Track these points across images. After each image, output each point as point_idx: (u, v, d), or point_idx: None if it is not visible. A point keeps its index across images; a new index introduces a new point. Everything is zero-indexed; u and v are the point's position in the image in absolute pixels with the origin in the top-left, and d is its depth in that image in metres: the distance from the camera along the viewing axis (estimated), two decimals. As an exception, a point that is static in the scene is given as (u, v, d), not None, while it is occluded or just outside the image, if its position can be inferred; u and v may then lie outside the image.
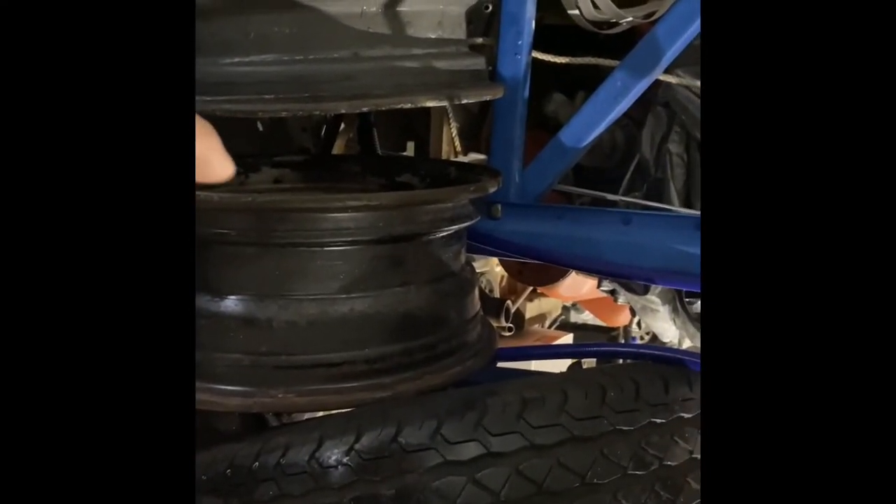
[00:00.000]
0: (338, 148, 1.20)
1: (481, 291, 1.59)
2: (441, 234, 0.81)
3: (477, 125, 1.36)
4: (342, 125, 1.19)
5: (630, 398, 0.72)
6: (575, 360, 1.41)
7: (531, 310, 1.85)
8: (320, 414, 0.78)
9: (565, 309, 2.17)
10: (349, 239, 0.74)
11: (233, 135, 1.10)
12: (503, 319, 1.56)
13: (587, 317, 2.22)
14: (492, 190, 0.84)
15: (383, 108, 0.79)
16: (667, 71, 1.00)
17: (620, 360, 0.98)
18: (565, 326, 2.24)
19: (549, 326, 2.04)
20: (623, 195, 1.15)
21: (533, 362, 1.23)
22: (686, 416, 0.74)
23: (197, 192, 0.75)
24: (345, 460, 0.65)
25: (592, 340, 2.15)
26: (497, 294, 1.67)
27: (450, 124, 1.26)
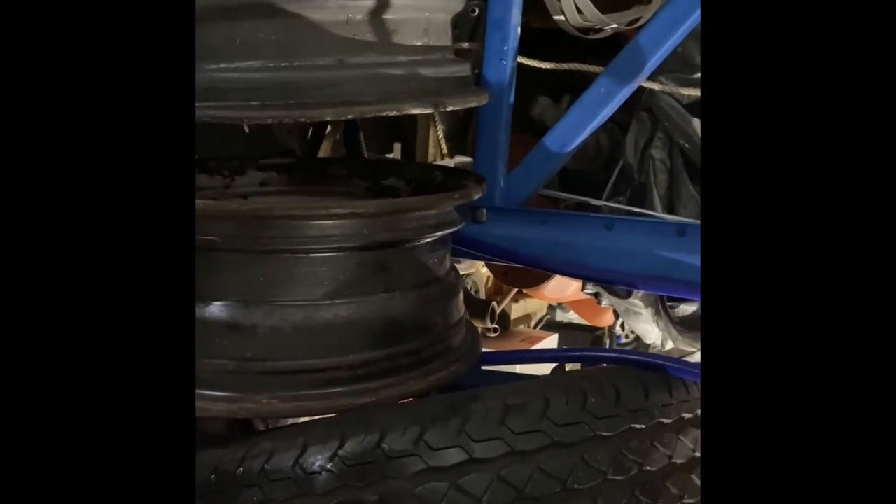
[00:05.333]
0: (324, 150, 1.21)
1: (467, 293, 1.60)
2: (425, 241, 0.82)
3: (463, 128, 1.36)
4: (328, 128, 1.19)
5: (610, 404, 0.73)
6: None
7: (517, 310, 1.86)
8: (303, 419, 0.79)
9: (551, 308, 2.18)
10: (334, 246, 0.75)
11: (219, 136, 1.11)
12: (489, 320, 1.57)
13: (572, 316, 2.23)
14: (476, 196, 0.85)
15: (368, 116, 0.79)
16: (650, 77, 1.01)
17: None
18: (551, 326, 2.25)
19: (535, 326, 2.06)
20: (606, 200, 1.16)
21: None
22: (665, 421, 0.76)
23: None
24: (328, 466, 0.66)
25: (577, 340, 2.17)
26: (483, 295, 1.68)
27: (436, 127, 1.27)
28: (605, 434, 0.70)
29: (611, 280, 1.05)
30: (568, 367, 1.04)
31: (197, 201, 0.77)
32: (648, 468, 0.71)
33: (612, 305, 1.37)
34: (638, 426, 0.73)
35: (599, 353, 1.00)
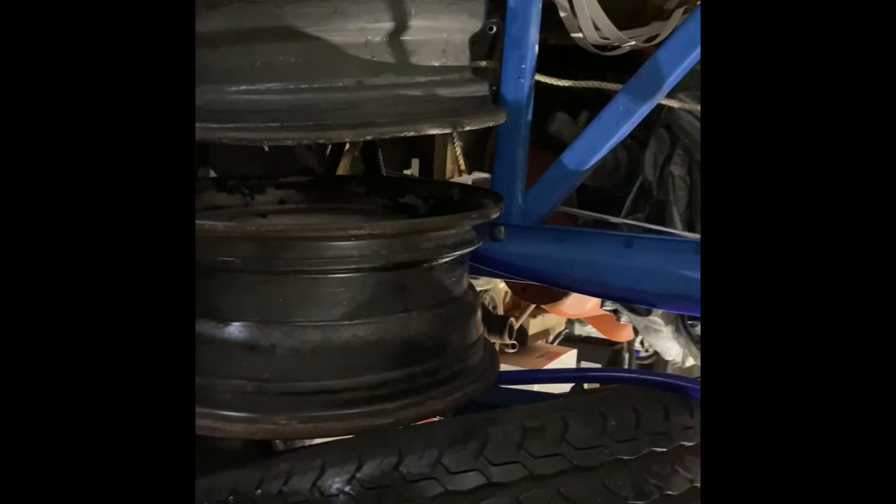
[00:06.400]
0: (343, 167, 1.21)
1: (484, 309, 1.59)
2: (443, 261, 0.82)
3: (481, 143, 1.37)
4: (347, 145, 1.20)
5: (631, 427, 0.72)
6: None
7: (535, 325, 1.85)
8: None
9: (569, 323, 2.16)
10: (352, 266, 0.75)
11: (239, 154, 1.11)
12: (507, 336, 1.57)
13: (591, 330, 2.21)
14: (494, 216, 0.85)
15: (387, 137, 0.79)
16: (669, 95, 1.01)
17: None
18: (569, 339, 2.23)
19: (553, 341, 2.04)
20: (625, 217, 1.16)
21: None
22: (687, 444, 0.74)
23: (203, 221, 0.77)
24: (346, 489, 0.66)
25: (596, 354, 2.14)
26: (501, 311, 1.67)
27: (454, 143, 1.27)
28: (625, 458, 0.69)
29: (630, 298, 1.04)
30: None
31: (216, 223, 0.77)
32: (670, 492, 0.70)
33: (632, 322, 1.36)
34: (659, 449, 0.72)
35: (618, 374, 0.99)
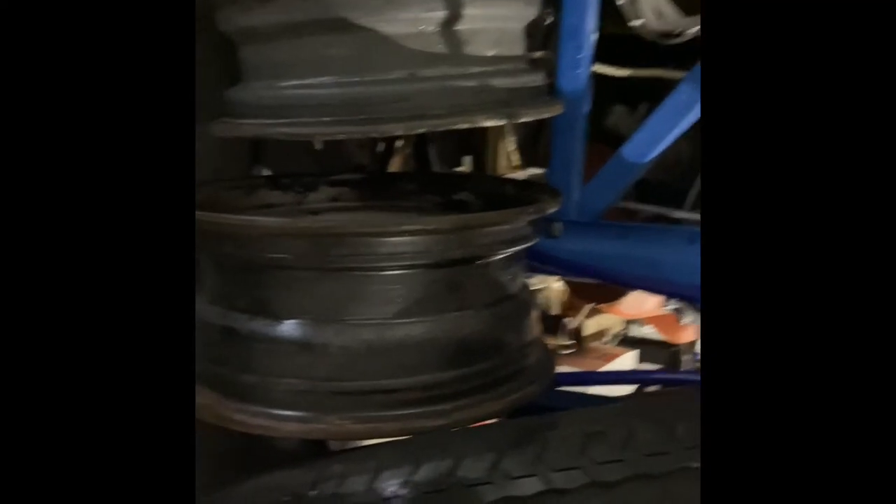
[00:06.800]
0: (395, 164, 1.20)
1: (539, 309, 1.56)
2: (499, 257, 0.79)
3: (535, 139, 1.33)
4: (400, 141, 1.18)
5: (699, 432, 0.68)
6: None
7: (591, 326, 1.80)
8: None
9: (627, 323, 2.11)
10: (406, 263, 0.73)
11: (292, 152, 1.11)
12: (562, 337, 1.53)
13: (648, 331, 2.15)
14: (551, 210, 0.82)
15: (440, 129, 0.77)
16: (736, 82, 0.96)
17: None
18: (626, 341, 2.18)
19: (610, 342, 1.99)
20: (691, 211, 1.11)
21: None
22: (761, 451, 0.70)
23: (255, 217, 0.76)
24: (402, 492, 0.63)
25: (655, 355, 2.08)
26: (556, 311, 1.63)
27: (506, 139, 1.24)
28: (694, 465, 0.65)
29: (695, 297, 1.00)
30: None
31: (269, 219, 0.77)
32: (743, 503, 0.66)
33: (696, 322, 1.30)
34: (731, 457, 0.67)
35: (680, 377, 0.95)
